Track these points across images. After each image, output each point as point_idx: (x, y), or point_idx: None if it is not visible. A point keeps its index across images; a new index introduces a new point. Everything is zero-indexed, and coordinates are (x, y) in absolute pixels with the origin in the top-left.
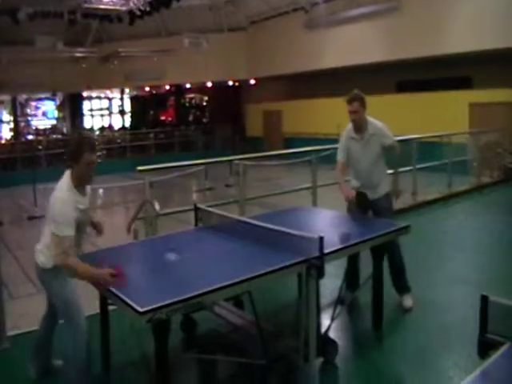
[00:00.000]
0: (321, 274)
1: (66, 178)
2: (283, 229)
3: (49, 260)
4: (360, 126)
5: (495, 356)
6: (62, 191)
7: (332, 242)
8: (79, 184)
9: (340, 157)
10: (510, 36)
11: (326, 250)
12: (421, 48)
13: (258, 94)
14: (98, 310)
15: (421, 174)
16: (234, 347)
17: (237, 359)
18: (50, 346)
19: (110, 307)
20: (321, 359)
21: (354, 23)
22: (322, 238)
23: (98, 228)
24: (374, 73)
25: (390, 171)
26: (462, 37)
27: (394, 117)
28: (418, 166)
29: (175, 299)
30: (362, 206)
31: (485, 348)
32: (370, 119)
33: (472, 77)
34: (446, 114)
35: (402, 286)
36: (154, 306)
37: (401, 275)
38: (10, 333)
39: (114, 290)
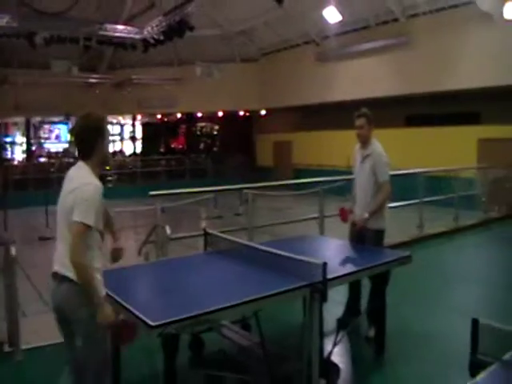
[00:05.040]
0: (324, 298)
1: (85, 168)
2: (288, 254)
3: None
4: (364, 142)
5: (484, 374)
6: (93, 178)
7: (335, 269)
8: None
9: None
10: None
11: (329, 276)
12: (429, 83)
13: (269, 124)
14: None
15: (428, 208)
16: (240, 367)
17: (242, 376)
18: None
19: None
20: (323, 382)
21: (365, 57)
22: (325, 264)
23: (114, 236)
24: (383, 106)
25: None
26: (468, 73)
27: (403, 150)
28: (424, 200)
29: (185, 315)
30: (355, 236)
31: (476, 368)
32: (376, 143)
33: (480, 112)
34: (454, 149)
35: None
36: (165, 321)
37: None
38: (23, 347)
39: (126, 304)
